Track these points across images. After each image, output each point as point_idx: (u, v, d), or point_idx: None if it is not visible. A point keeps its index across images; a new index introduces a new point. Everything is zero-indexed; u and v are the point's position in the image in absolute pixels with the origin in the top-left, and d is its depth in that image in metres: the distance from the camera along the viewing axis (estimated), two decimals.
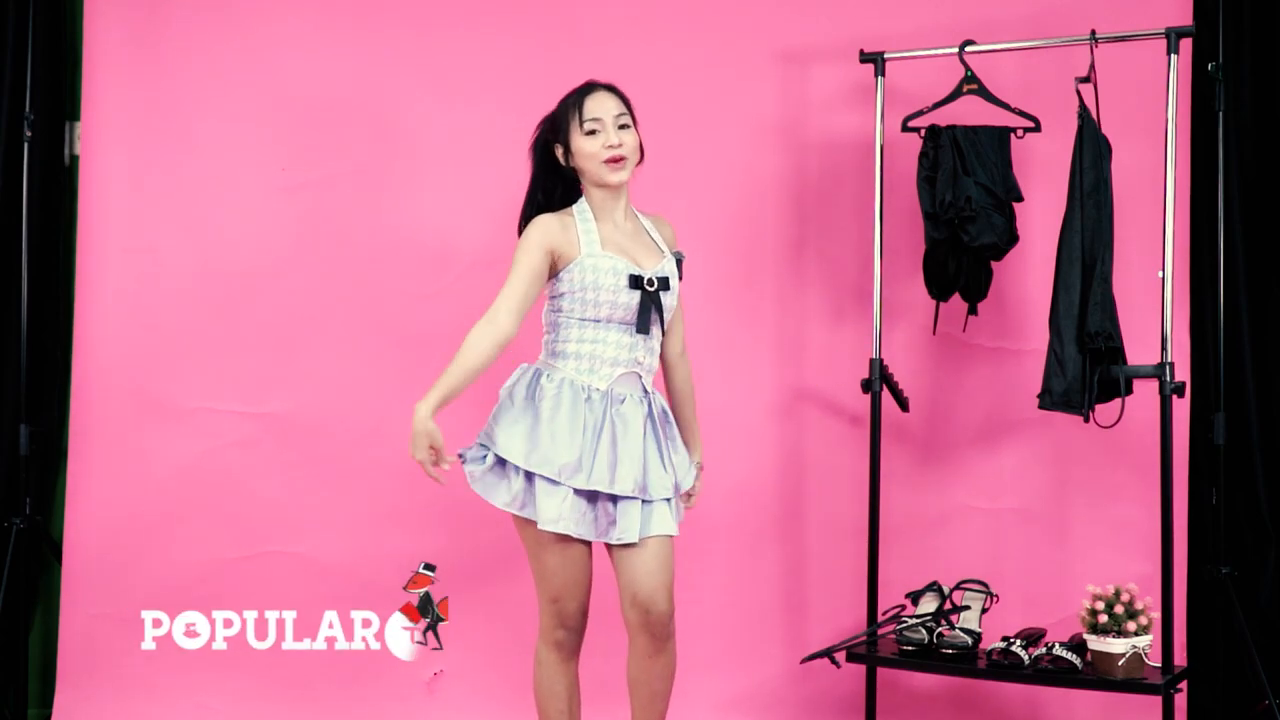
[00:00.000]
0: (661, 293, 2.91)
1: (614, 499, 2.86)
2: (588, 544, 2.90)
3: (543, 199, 3.01)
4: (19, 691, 3.80)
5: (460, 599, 3.76)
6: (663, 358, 3.07)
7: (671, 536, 2.90)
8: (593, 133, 2.90)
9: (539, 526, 2.84)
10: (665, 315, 2.95)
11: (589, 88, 2.95)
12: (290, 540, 3.79)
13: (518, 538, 2.94)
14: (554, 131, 2.97)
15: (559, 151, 2.96)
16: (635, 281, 2.88)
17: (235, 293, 3.82)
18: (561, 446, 2.82)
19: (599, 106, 2.91)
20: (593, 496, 2.85)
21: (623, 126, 2.91)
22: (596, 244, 2.90)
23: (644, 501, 2.87)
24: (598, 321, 2.89)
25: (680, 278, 3.00)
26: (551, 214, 2.94)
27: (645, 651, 2.90)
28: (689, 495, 3.06)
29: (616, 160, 2.89)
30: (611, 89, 2.95)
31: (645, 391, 2.93)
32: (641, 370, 2.92)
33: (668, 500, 2.90)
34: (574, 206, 2.96)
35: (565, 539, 2.85)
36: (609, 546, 2.91)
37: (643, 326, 2.89)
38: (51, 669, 3.84)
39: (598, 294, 2.87)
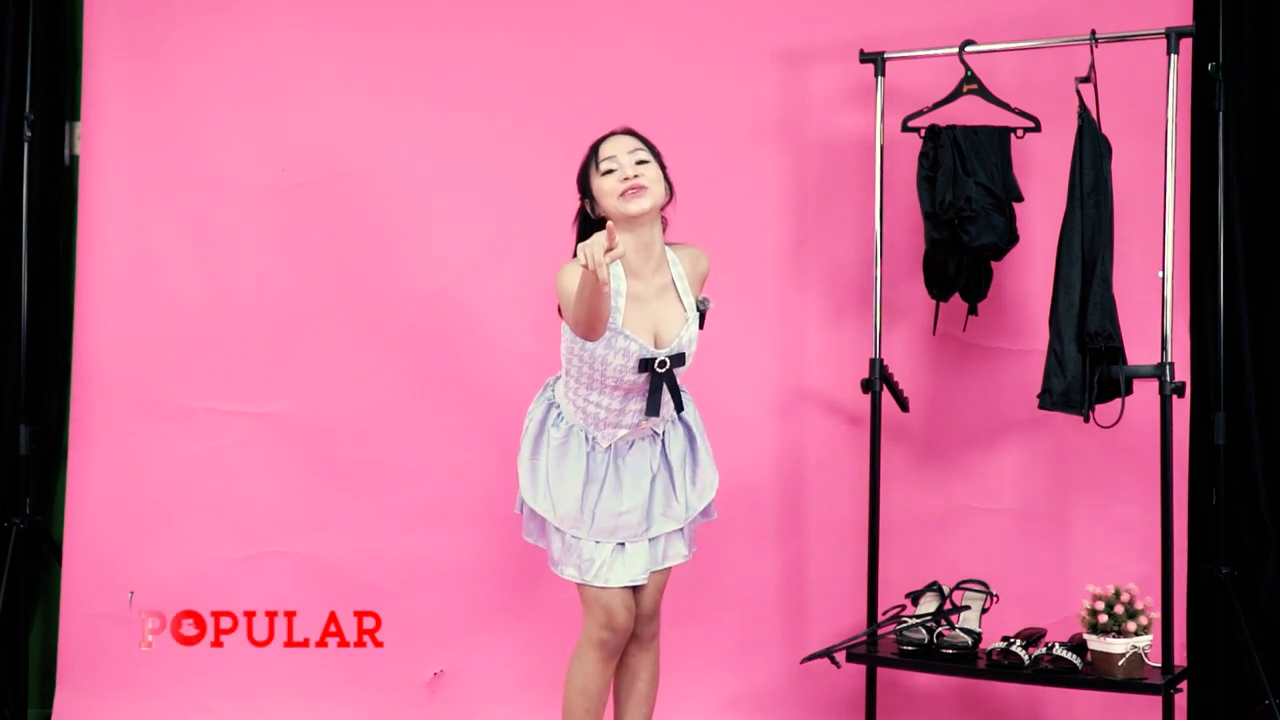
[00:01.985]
0: (676, 369, 2.88)
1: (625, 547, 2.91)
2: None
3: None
4: (19, 691, 3.80)
5: (460, 599, 3.77)
6: None
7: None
8: (609, 171, 2.88)
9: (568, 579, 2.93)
10: (679, 375, 2.92)
11: (602, 137, 2.95)
12: (290, 540, 3.79)
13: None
14: (581, 188, 2.96)
15: (587, 206, 2.95)
16: (645, 364, 2.84)
17: (235, 293, 3.82)
18: (563, 496, 2.87)
19: (613, 146, 2.92)
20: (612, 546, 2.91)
21: (640, 161, 2.90)
22: (619, 317, 2.84)
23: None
24: (603, 390, 2.88)
25: (701, 326, 2.96)
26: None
27: (630, 648, 3.02)
28: None
29: (633, 190, 2.85)
30: (629, 132, 2.96)
31: (656, 433, 2.95)
32: (649, 425, 2.94)
33: (680, 530, 2.98)
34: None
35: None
36: None
37: (653, 409, 2.87)
38: (51, 669, 3.84)
39: (605, 369, 2.85)
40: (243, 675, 3.75)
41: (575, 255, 2.75)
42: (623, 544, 2.91)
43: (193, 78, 3.83)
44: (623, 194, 2.85)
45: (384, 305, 3.80)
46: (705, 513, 3.09)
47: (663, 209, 2.96)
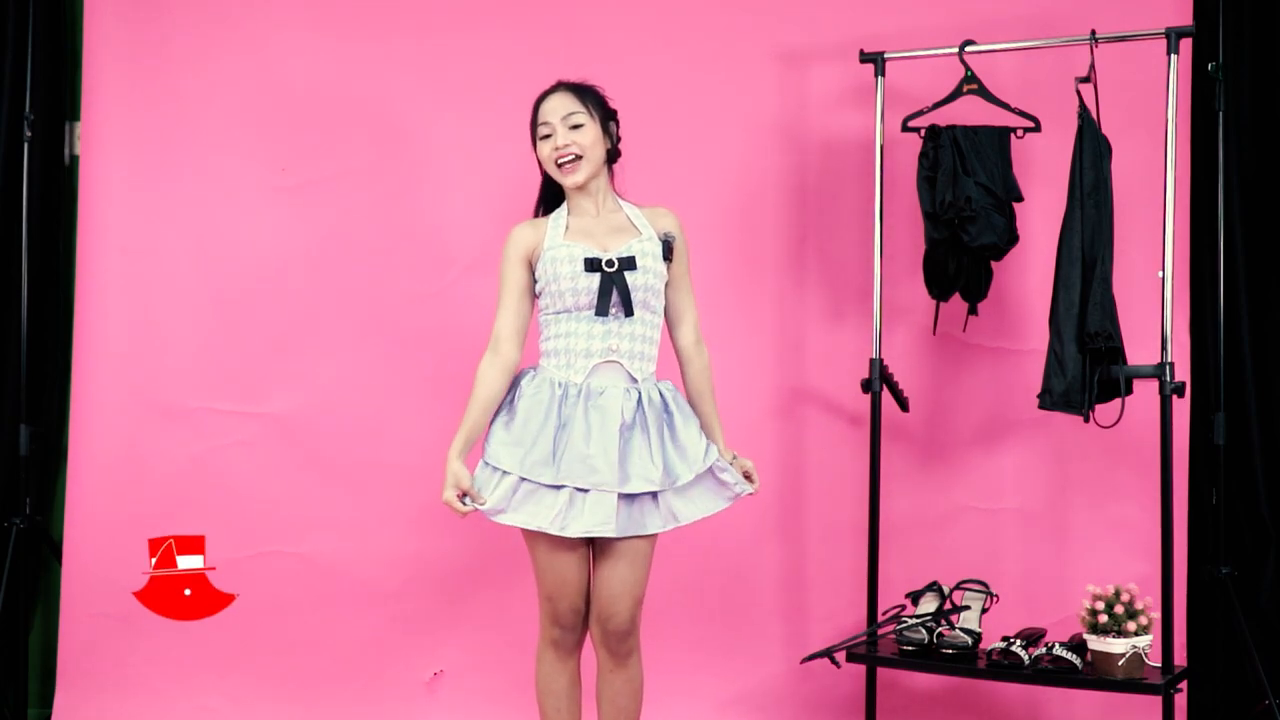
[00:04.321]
0: (626, 272, 2.85)
1: (588, 494, 2.83)
2: (579, 544, 2.88)
3: (544, 202, 3.07)
4: (19, 691, 3.80)
5: (460, 599, 3.78)
6: (676, 350, 3.04)
7: (651, 540, 2.88)
8: (546, 137, 2.93)
9: (519, 526, 2.86)
10: (638, 295, 2.87)
11: (547, 91, 2.97)
12: (290, 540, 3.79)
13: (516, 538, 2.95)
14: (531, 138, 3.01)
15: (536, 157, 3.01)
16: (592, 264, 2.85)
17: (235, 293, 3.82)
18: (531, 443, 2.83)
19: (548, 110, 2.93)
20: (572, 493, 2.82)
21: (574, 126, 2.91)
22: (560, 235, 2.91)
23: (629, 498, 2.83)
24: (567, 312, 2.88)
25: (669, 259, 2.94)
26: (527, 221, 2.99)
27: (605, 666, 2.93)
28: (747, 478, 3.04)
29: (564, 161, 2.90)
30: (569, 88, 2.96)
31: (634, 380, 2.88)
32: (621, 358, 2.87)
33: (654, 496, 2.85)
34: (556, 210, 3.00)
35: (550, 536, 2.85)
36: (593, 552, 2.91)
37: (601, 309, 2.85)
38: (51, 669, 3.84)
39: (559, 283, 2.86)
40: (243, 675, 3.75)
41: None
42: (585, 491, 2.81)
43: (193, 78, 3.84)
44: (558, 163, 2.91)
45: (384, 305, 3.80)
46: (733, 491, 2.96)
47: (614, 161, 3.00)
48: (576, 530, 2.82)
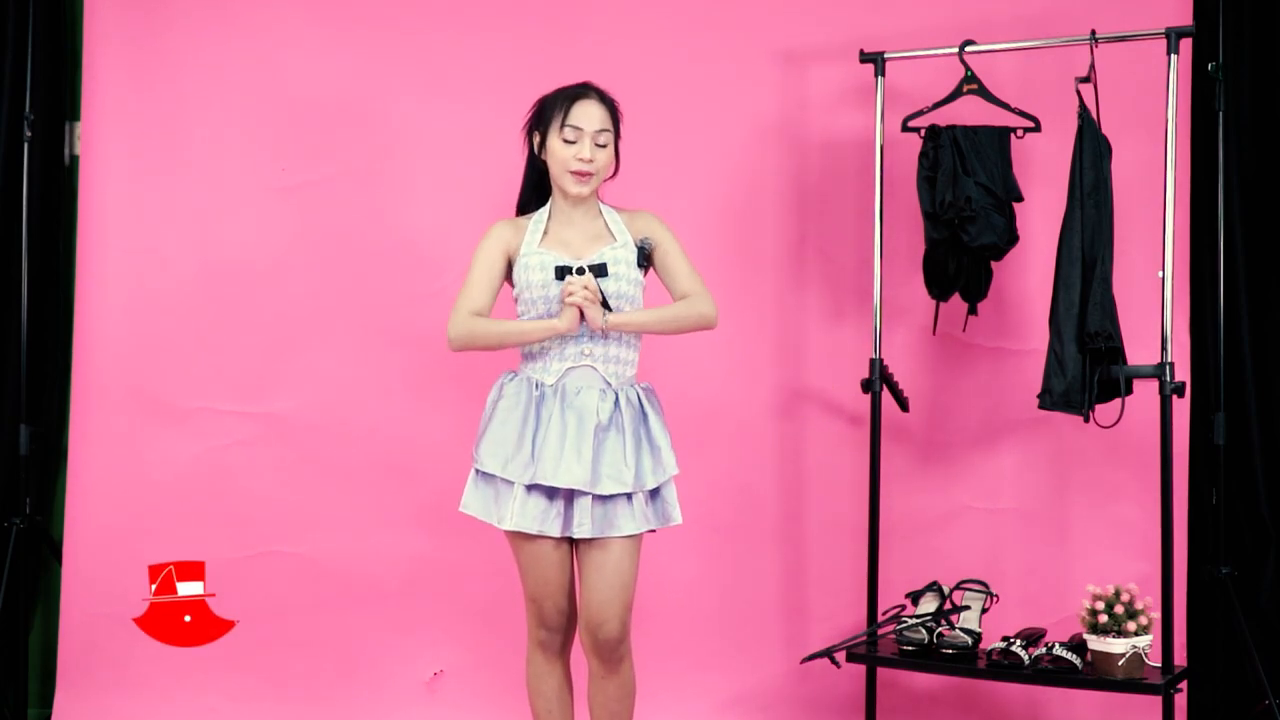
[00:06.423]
0: (598, 279, 2.87)
1: (571, 496, 2.84)
2: (561, 545, 2.89)
3: (533, 183, 3.06)
4: (19, 691, 3.80)
5: (460, 599, 3.78)
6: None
7: (636, 544, 2.88)
8: (571, 142, 2.92)
9: (498, 526, 2.87)
10: (610, 302, 2.88)
11: (582, 92, 2.96)
12: (290, 540, 3.79)
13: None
14: (538, 119, 2.99)
15: (535, 139, 2.99)
16: (562, 272, 2.87)
17: (235, 293, 3.82)
18: (510, 443, 2.84)
19: (584, 116, 2.92)
20: (552, 493, 2.84)
21: (601, 144, 2.93)
22: (535, 242, 2.93)
23: (604, 498, 2.84)
24: (539, 319, 2.90)
25: (645, 265, 2.96)
26: (508, 220, 3.01)
27: (596, 673, 2.93)
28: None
29: (582, 175, 2.91)
30: (604, 99, 2.96)
31: (608, 384, 2.90)
32: (595, 362, 2.89)
33: (629, 497, 2.85)
34: (538, 210, 3.01)
35: (531, 537, 2.86)
36: (578, 559, 2.91)
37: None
38: (51, 669, 3.84)
39: (531, 291, 2.89)
40: (243, 675, 3.75)
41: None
42: (561, 491, 2.83)
43: (193, 77, 3.84)
44: (572, 170, 2.91)
45: (384, 305, 3.80)
46: (666, 515, 2.94)
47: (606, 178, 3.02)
48: (554, 530, 2.84)
